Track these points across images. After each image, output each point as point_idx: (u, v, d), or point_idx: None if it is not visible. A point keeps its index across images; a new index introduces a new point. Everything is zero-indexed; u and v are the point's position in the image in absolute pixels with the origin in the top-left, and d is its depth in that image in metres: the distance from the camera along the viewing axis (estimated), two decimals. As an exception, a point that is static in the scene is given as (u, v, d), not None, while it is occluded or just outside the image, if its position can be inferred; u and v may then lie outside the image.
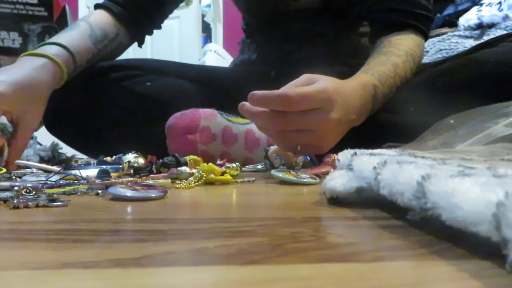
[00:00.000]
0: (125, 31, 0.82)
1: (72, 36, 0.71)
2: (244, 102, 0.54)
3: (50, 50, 0.65)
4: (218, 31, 3.14)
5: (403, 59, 0.69)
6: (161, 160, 0.55)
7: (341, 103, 0.54)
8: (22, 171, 0.55)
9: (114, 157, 0.61)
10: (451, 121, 0.55)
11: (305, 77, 0.55)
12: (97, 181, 0.45)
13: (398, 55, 0.69)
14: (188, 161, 0.55)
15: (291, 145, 0.56)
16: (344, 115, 0.56)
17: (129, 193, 0.37)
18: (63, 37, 0.70)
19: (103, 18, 0.80)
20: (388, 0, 0.77)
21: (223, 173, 0.50)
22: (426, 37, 0.78)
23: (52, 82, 0.63)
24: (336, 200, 0.33)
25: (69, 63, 0.67)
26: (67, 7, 1.33)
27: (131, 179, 0.45)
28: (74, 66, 0.69)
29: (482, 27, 1.44)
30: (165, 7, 0.88)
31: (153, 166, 0.54)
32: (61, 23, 1.30)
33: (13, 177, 0.48)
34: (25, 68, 0.60)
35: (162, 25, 0.89)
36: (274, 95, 0.51)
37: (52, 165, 0.62)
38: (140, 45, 0.89)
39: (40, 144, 0.83)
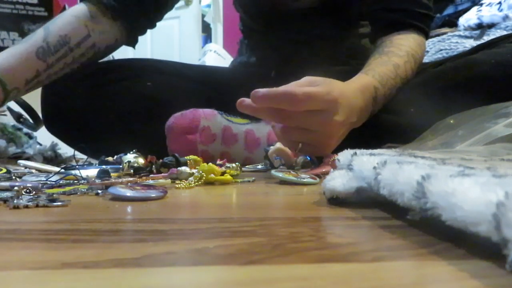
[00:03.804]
0: (112, 25, 0.77)
1: (14, 54, 0.68)
2: (243, 99, 0.53)
3: None
4: (218, 31, 3.13)
5: (404, 59, 0.69)
6: (161, 160, 0.55)
7: (345, 106, 0.54)
8: (22, 171, 0.55)
9: (115, 156, 0.62)
10: (451, 121, 0.55)
11: (306, 79, 0.55)
12: (97, 181, 0.45)
13: (399, 56, 0.69)
14: (188, 161, 0.55)
15: (293, 142, 0.56)
16: (347, 118, 0.55)
17: (129, 193, 0.37)
18: (5, 55, 0.67)
19: (72, 19, 0.74)
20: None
21: (223, 173, 0.50)
22: (427, 36, 0.78)
23: None
24: (336, 200, 0.33)
25: None
26: (67, 7, 1.33)
27: (131, 179, 0.45)
28: (4, 92, 0.65)
29: (482, 27, 1.44)
30: (160, 3, 0.83)
31: (153, 166, 0.54)
32: (61, 23, 1.30)
33: (13, 177, 0.48)
34: None
35: (157, 23, 0.85)
36: (279, 92, 0.50)
37: (53, 165, 0.62)
38: (132, 45, 0.84)
39: (40, 144, 0.83)
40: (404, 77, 0.69)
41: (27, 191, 0.36)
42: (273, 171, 0.51)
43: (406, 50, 0.70)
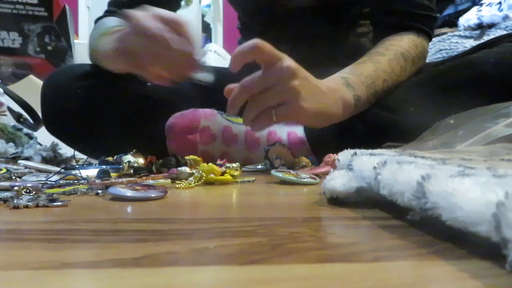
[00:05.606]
0: None
1: None
2: (230, 85, 0.59)
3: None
4: (218, 31, 3.13)
5: (388, 57, 0.69)
6: (161, 160, 0.55)
7: (303, 70, 0.59)
8: (22, 171, 0.55)
9: (115, 156, 0.62)
10: (451, 121, 0.55)
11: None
12: (97, 181, 0.45)
13: (382, 54, 0.69)
14: (188, 161, 0.55)
15: (266, 115, 0.57)
16: (308, 75, 0.59)
17: (129, 193, 0.37)
18: None
19: None
20: (388, 2, 0.76)
21: (223, 173, 0.50)
22: (429, 37, 0.78)
23: None
24: (336, 200, 0.33)
25: None
26: (67, 7, 1.33)
27: (131, 179, 0.45)
28: None
29: (482, 27, 1.44)
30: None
31: (153, 166, 0.54)
32: (61, 23, 1.30)
33: (13, 177, 0.48)
34: None
35: None
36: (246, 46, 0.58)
37: (53, 165, 0.62)
38: None
39: (40, 144, 0.83)
40: (390, 71, 0.69)
41: (27, 191, 0.36)
42: (273, 171, 0.51)
43: (394, 50, 0.70)
